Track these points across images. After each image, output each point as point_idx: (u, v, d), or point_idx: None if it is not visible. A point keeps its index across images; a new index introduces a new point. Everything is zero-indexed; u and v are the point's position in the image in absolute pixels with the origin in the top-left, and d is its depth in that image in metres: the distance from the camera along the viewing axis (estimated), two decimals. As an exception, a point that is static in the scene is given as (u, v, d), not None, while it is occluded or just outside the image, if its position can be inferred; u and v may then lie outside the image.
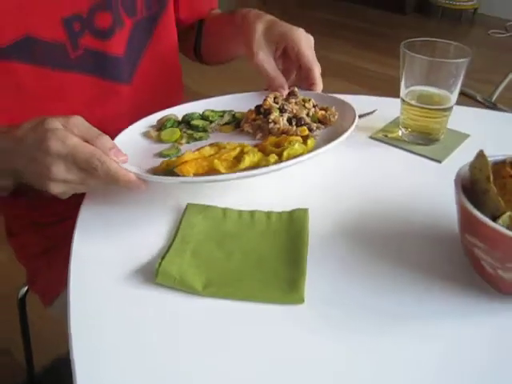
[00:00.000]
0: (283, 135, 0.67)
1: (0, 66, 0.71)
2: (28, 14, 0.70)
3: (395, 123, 0.82)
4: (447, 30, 4.07)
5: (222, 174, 0.58)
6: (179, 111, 0.78)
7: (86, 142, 0.56)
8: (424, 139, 0.78)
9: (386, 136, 0.80)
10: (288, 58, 0.79)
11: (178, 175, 0.58)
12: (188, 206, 0.62)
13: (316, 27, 4.16)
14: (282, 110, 0.72)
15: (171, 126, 0.75)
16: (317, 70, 0.78)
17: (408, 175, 0.71)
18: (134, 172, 0.58)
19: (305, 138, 0.66)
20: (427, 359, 0.45)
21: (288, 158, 0.60)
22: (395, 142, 0.79)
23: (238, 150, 0.63)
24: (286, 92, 0.78)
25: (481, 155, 0.50)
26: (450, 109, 0.76)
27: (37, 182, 0.57)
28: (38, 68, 0.73)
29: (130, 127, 0.73)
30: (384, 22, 4.01)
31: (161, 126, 0.75)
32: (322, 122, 0.72)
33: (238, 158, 0.61)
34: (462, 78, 0.74)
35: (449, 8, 4.19)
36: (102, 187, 0.59)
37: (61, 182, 0.56)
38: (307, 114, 0.72)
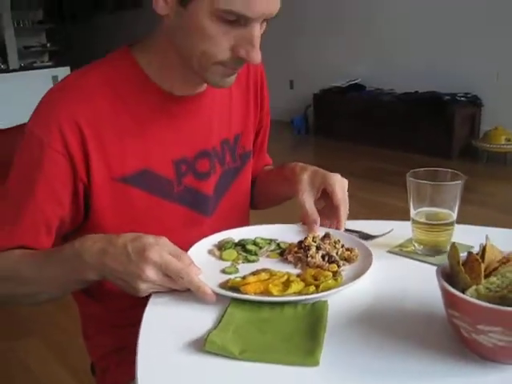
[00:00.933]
0: (318, 269, 0.89)
1: (121, 189, 0.96)
2: (148, 154, 0.98)
3: (409, 240, 1.00)
4: (492, 173, 4.27)
5: (274, 295, 0.80)
6: (235, 234, 1.00)
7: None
8: (433, 251, 0.95)
9: (402, 250, 0.98)
10: (327, 197, 1.01)
11: (242, 293, 0.80)
12: (231, 300, 0.81)
13: (368, 174, 4.50)
14: (318, 248, 0.93)
15: (230, 248, 0.96)
16: (343, 208, 0.99)
17: (421, 280, 0.87)
18: (209, 286, 0.80)
19: (334, 273, 0.87)
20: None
21: (323, 290, 0.81)
22: (410, 255, 0.96)
23: (285, 277, 0.85)
24: (317, 226, 0.99)
25: (453, 247, 0.68)
26: (452, 223, 0.94)
27: (126, 278, 0.79)
28: (149, 195, 0.99)
29: (198, 244, 0.96)
30: (430, 167, 4.24)
31: (221, 246, 0.97)
32: (348, 259, 0.92)
33: (286, 284, 0.83)
34: (459, 197, 0.93)
35: (493, 151, 4.43)
36: (176, 288, 0.80)
37: (148, 282, 0.77)
38: (337, 253, 0.93)
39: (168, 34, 0.92)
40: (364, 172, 4.28)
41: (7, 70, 5.95)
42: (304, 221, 1.03)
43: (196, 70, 0.91)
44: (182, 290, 0.80)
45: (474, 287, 0.64)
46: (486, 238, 0.70)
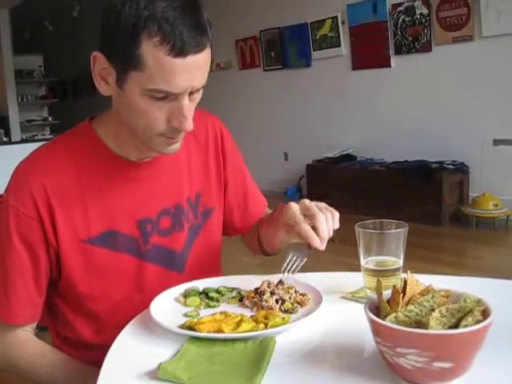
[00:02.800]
0: (270, 311, 0.96)
1: (89, 250, 1.05)
2: (111, 216, 1.07)
3: (361, 288, 1.07)
4: (482, 238, 4.35)
5: (225, 333, 0.88)
6: (201, 284, 1.08)
7: None
8: (382, 295, 1.03)
9: (354, 296, 1.06)
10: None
11: (197, 331, 0.88)
12: (188, 338, 0.88)
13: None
14: (272, 293, 1.01)
15: (194, 295, 1.04)
16: (301, 225, 1.01)
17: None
18: (167, 326, 0.88)
19: (286, 312, 0.96)
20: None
21: (271, 327, 0.89)
22: (361, 300, 1.03)
23: (239, 318, 0.93)
24: (323, 246, 1.02)
25: (378, 281, 0.76)
26: (399, 269, 1.02)
27: None
28: (118, 253, 1.08)
29: (165, 292, 1.04)
30: (421, 233, 4.33)
31: (186, 294, 1.05)
32: (300, 303, 1.00)
33: (238, 323, 0.91)
34: (403, 244, 1.01)
35: (482, 217, 4.53)
36: None
37: None
38: (289, 298, 1.00)
39: (116, 108, 1.03)
40: (356, 240, 4.33)
41: (9, 143, 6.22)
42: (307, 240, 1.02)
43: (142, 140, 1.02)
44: None
45: (393, 314, 0.72)
46: (408, 273, 0.79)
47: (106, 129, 1.08)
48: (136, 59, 0.89)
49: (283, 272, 1.07)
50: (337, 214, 1.05)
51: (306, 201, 1.05)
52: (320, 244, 1.01)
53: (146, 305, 0.99)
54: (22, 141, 6.77)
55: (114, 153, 1.07)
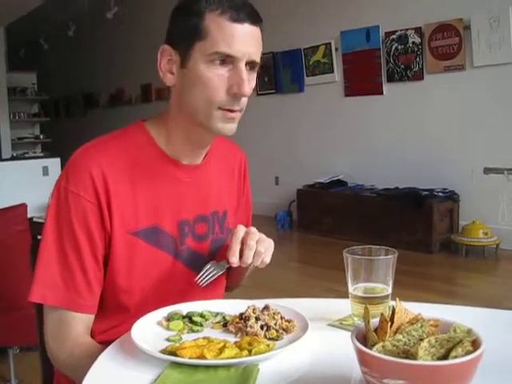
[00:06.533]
0: (255, 337, 0.94)
1: (133, 242, 1.08)
2: (157, 213, 1.12)
3: (349, 315, 1.05)
4: (471, 267, 4.34)
5: (207, 359, 0.85)
6: (185, 307, 1.05)
7: None
8: (370, 323, 1.00)
9: (341, 323, 1.03)
10: None
11: (178, 356, 0.85)
12: (169, 363, 0.85)
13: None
14: (257, 319, 0.98)
15: (177, 319, 1.01)
16: (234, 244, 1.03)
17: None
18: (148, 350, 0.85)
19: (272, 339, 0.93)
20: None
21: (255, 354, 0.87)
22: (348, 327, 1.01)
23: (222, 344, 0.90)
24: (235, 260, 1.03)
25: (366, 308, 0.74)
26: (387, 296, 1.00)
27: None
28: (157, 249, 1.11)
29: (148, 315, 1.01)
30: (411, 261, 4.32)
31: (169, 317, 1.02)
32: (286, 330, 0.98)
33: (221, 350, 0.88)
34: (392, 271, 0.99)
35: (472, 245, 4.53)
36: None
37: None
38: (275, 324, 0.98)
39: (175, 100, 1.11)
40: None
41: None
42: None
43: (201, 120, 1.08)
44: None
45: (380, 344, 0.69)
46: (396, 300, 0.76)
47: (158, 129, 1.14)
48: (201, 31, 1.02)
49: (196, 280, 1.08)
50: (270, 251, 1.08)
51: (252, 229, 1.08)
52: (235, 262, 1.03)
53: (169, 303, 1.05)
54: (13, 158, 6.74)
55: (165, 153, 1.13)
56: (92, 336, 1.10)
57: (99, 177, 1.05)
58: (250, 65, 1.06)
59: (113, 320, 1.12)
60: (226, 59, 1.03)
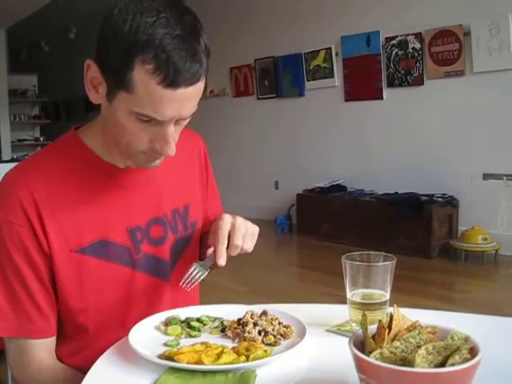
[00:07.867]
0: (253, 342, 0.93)
1: (80, 260, 1.02)
2: (102, 224, 1.05)
3: (347, 321, 1.05)
4: (471, 272, 4.33)
5: (205, 365, 0.84)
6: (183, 312, 1.05)
7: None
8: (368, 329, 1.00)
9: (339, 329, 1.03)
10: None
11: (176, 361, 0.84)
12: (167, 368, 0.85)
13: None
14: (255, 324, 0.98)
15: (175, 324, 1.01)
16: (220, 244, 1.02)
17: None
18: (146, 355, 0.85)
19: (270, 345, 0.93)
20: None
21: (252, 360, 0.87)
22: (346, 333, 1.00)
23: (219, 349, 0.90)
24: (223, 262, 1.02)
25: (364, 315, 0.74)
26: (385, 303, 1.00)
27: None
28: (109, 263, 1.05)
29: (146, 320, 1.01)
30: (410, 266, 4.31)
31: (167, 322, 1.01)
32: (284, 335, 0.98)
33: (219, 355, 0.87)
34: (390, 277, 0.99)
35: (471, 250, 4.52)
36: None
37: None
38: (273, 329, 0.98)
39: (103, 117, 1.04)
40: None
41: (-1, 161, 6.17)
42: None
43: (123, 154, 1.03)
44: None
45: (378, 351, 0.69)
46: (394, 307, 0.76)
47: (93, 136, 1.07)
48: (127, 81, 0.88)
49: (181, 285, 1.06)
50: (254, 240, 1.07)
51: (238, 221, 1.05)
52: (223, 263, 1.02)
53: (135, 318, 1.01)
54: (12, 160, 6.73)
55: (103, 160, 1.06)
56: (60, 360, 1.07)
57: (28, 199, 0.99)
58: (183, 119, 0.96)
59: (76, 342, 1.09)
60: (152, 119, 0.92)
